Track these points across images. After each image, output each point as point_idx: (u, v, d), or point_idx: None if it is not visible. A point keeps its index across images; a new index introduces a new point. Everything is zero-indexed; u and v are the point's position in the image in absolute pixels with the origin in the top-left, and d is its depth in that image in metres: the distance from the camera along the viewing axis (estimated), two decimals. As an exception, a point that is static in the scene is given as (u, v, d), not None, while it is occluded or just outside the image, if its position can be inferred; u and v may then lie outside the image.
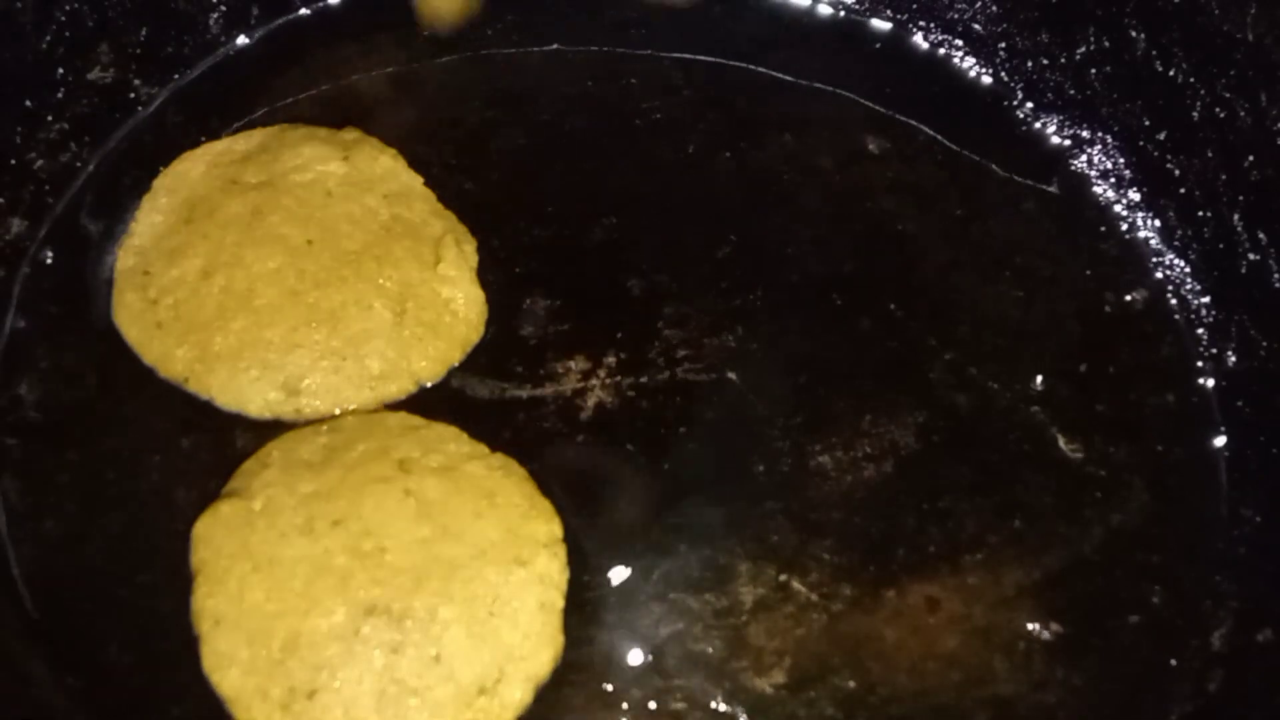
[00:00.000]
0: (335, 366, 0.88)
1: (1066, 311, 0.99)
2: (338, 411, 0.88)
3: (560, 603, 0.81)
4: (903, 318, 0.97)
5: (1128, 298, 1.00)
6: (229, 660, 0.77)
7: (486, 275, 0.96)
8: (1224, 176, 0.98)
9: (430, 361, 0.91)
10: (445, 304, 0.92)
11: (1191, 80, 1.00)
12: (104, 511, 0.87)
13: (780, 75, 1.08)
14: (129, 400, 0.90)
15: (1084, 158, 1.07)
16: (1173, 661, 0.85)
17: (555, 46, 1.09)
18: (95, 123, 1.03)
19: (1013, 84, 1.11)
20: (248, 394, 0.88)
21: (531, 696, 0.79)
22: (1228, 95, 0.97)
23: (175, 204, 0.94)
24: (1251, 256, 0.96)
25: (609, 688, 0.81)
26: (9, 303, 0.95)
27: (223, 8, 1.09)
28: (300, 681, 0.76)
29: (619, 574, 0.85)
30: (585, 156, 1.05)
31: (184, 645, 0.79)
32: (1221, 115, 0.98)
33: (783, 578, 0.86)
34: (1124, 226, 1.04)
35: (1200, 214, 1.01)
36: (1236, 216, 0.98)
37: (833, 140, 1.06)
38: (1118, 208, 1.05)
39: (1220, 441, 0.94)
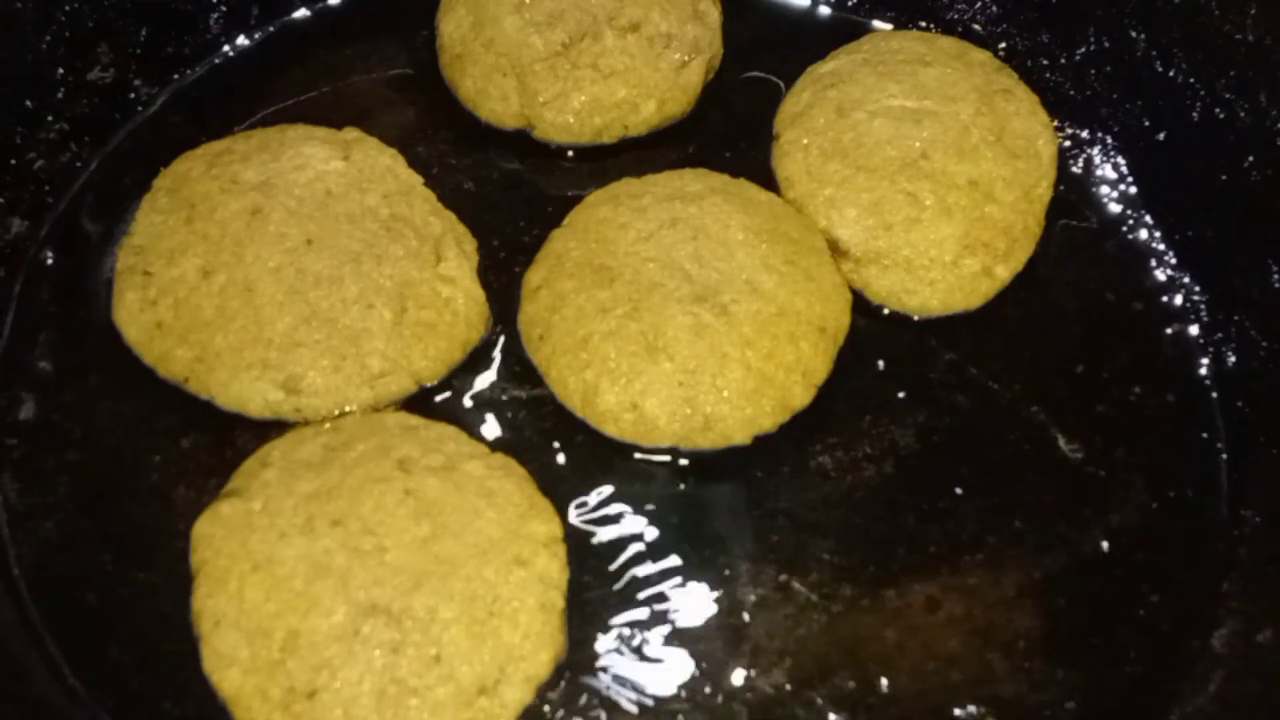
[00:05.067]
0: (335, 366, 0.88)
1: (1066, 311, 0.99)
2: (337, 412, 0.88)
3: (560, 603, 0.81)
4: (903, 317, 0.97)
5: (1128, 298, 1.00)
6: (229, 660, 0.77)
7: (486, 275, 0.96)
8: (1224, 177, 0.98)
9: (430, 361, 0.91)
10: (445, 304, 0.92)
11: (1191, 80, 1.00)
12: (104, 511, 0.87)
13: (780, 75, 1.08)
14: (129, 400, 0.90)
15: (1084, 158, 1.07)
16: (1173, 661, 0.85)
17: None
18: (95, 123, 1.03)
19: (1013, 84, 1.11)
20: (248, 394, 0.88)
21: (531, 696, 0.79)
22: (1228, 95, 0.97)
23: (175, 204, 0.94)
24: (1251, 256, 0.96)
25: (609, 688, 0.81)
26: (9, 303, 0.95)
27: (223, 8, 1.09)
28: (300, 681, 0.75)
29: (619, 574, 0.85)
30: (585, 158, 1.05)
31: (184, 645, 0.79)
32: (1221, 115, 0.98)
33: (783, 578, 0.86)
34: (1124, 227, 1.04)
35: (1200, 215, 1.01)
36: (1237, 217, 0.98)
37: (833, 140, 1.06)
38: (1117, 208, 1.05)
39: (1220, 442, 0.94)
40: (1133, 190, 1.05)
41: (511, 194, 1.02)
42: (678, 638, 0.83)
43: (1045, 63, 1.10)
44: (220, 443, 0.88)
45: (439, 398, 0.91)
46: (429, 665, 0.76)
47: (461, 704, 0.76)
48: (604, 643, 0.83)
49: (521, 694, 0.78)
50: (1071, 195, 1.04)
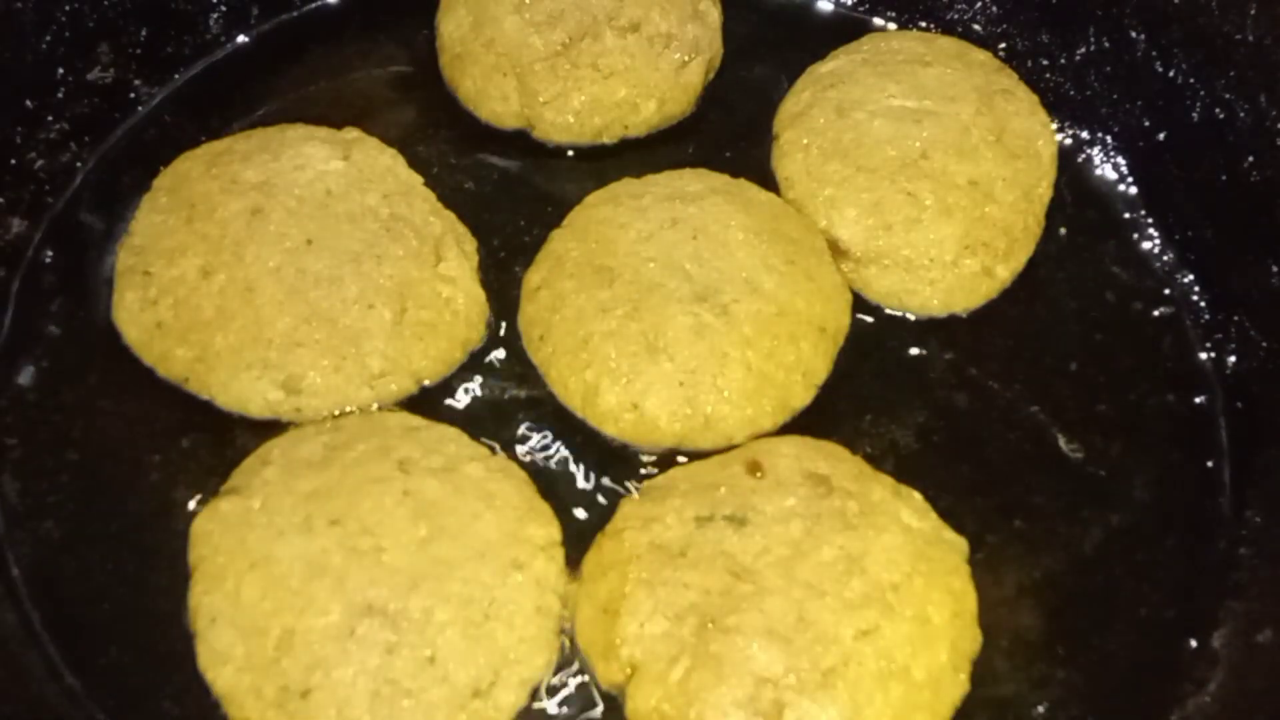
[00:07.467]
0: (335, 366, 0.88)
1: (1066, 311, 0.99)
2: (337, 412, 0.88)
3: (557, 606, 0.81)
4: (903, 316, 0.97)
5: (1128, 298, 1.00)
6: (224, 658, 0.77)
7: (487, 275, 0.96)
8: (1224, 177, 0.98)
9: (430, 361, 0.91)
10: (445, 304, 0.92)
11: (1191, 80, 1.00)
12: (104, 511, 0.87)
13: (780, 75, 1.08)
14: (129, 400, 0.90)
15: (1084, 158, 1.07)
16: (1173, 661, 0.85)
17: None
18: (95, 123, 1.03)
19: (1013, 84, 1.11)
20: (248, 394, 0.88)
21: (526, 700, 0.79)
22: (1228, 95, 0.97)
23: (175, 204, 0.94)
24: (1251, 256, 0.96)
25: (605, 692, 0.81)
26: (9, 302, 0.95)
27: (223, 8, 1.09)
28: (294, 680, 0.75)
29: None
30: (585, 157, 1.05)
31: (184, 645, 0.79)
32: (1221, 115, 0.98)
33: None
34: (1124, 227, 1.04)
35: (1200, 215, 1.01)
36: (1237, 217, 0.98)
37: (833, 140, 1.06)
38: (1117, 208, 1.05)
39: (1220, 441, 0.94)
40: (1133, 190, 1.05)
41: (511, 194, 1.02)
42: (677, 638, 0.83)
43: (1045, 63, 1.10)
44: (220, 443, 0.88)
45: (439, 398, 0.91)
46: (423, 666, 0.76)
47: (455, 706, 0.76)
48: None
49: (516, 697, 0.78)
50: (1071, 195, 1.04)
